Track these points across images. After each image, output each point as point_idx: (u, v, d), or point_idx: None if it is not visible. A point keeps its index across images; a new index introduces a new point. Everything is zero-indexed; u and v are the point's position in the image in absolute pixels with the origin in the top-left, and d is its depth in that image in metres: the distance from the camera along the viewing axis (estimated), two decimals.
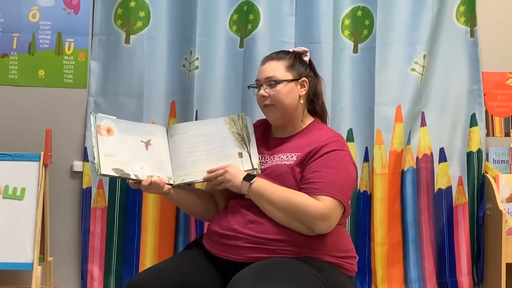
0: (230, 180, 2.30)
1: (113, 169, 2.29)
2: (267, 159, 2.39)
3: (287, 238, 2.22)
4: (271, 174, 2.31)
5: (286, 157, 2.33)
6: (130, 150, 2.38)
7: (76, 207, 3.08)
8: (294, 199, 2.22)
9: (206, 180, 2.37)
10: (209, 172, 2.35)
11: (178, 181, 2.39)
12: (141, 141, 2.42)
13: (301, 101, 2.40)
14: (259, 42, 3.03)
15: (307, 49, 2.49)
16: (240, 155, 2.39)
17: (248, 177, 2.28)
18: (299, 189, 2.27)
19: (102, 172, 2.28)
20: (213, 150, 2.42)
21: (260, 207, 2.26)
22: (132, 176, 2.32)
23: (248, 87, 2.53)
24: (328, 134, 2.39)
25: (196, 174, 2.39)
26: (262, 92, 2.38)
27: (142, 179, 2.32)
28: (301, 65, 2.44)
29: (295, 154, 2.31)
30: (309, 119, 2.47)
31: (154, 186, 2.33)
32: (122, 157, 2.34)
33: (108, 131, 2.36)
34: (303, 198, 2.22)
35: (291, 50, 2.49)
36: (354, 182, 2.40)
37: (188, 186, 2.51)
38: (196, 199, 2.47)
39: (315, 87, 2.47)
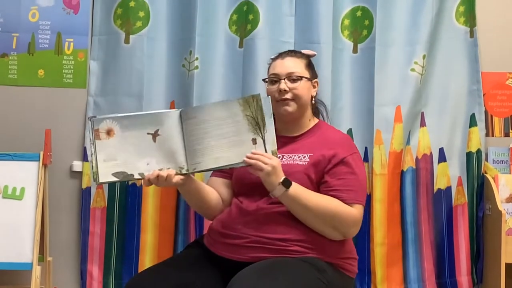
0: (270, 176, 2.18)
1: (113, 174, 2.22)
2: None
3: (289, 238, 2.22)
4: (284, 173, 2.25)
5: (298, 157, 2.33)
6: (135, 147, 2.27)
7: (76, 207, 3.08)
8: (331, 206, 2.24)
9: (247, 164, 2.20)
10: (250, 156, 2.19)
11: (191, 169, 2.27)
12: (148, 133, 2.28)
13: (313, 102, 2.46)
14: (258, 42, 3.03)
15: (315, 53, 2.57)
16: (254, 141, 2.24)
17: (286, 182, 2.20)
18: (317, 190, 2.27)
19: (101, 181, 2.21)
20: (224, 135, 2.26)
21: (293, 211, 2.24)
22: (136, 176, 2.23)
23: (264, 80, 2.48)
24: (338, 134, 2.48)
25: (208, 162, 2.25)
26: (283, 86, 2.37)
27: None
28: (313, 66, 2.51)
29: (307, 155, 2.33)
30: (315, 120, 2.49)
31: (161, 180, 2.21)
32: (124, 158, 2.25)
33: (108, 133, 2.27)
34: (340, 207, 2.25)
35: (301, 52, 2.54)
36: None
37: (200, 181, 2.43)
38: (206, 195, 2.39)
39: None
